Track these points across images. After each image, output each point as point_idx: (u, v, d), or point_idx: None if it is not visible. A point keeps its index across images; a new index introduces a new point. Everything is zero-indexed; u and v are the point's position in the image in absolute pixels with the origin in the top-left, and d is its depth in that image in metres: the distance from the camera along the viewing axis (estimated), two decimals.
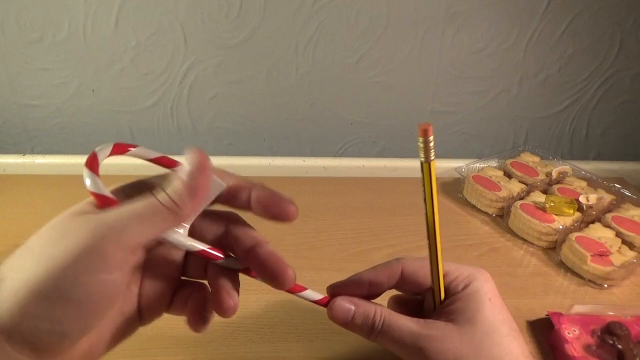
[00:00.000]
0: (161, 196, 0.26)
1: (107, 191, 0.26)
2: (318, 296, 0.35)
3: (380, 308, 0.34)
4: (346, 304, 0.34)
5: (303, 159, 0.77)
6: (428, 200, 0.31)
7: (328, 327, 0.46)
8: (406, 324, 0.32)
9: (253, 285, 0.52)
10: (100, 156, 0.26)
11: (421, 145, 0.28)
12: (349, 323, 0.34)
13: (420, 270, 0.35)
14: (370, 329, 0.33)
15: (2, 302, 0.22)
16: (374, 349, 0.45)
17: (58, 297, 0.22)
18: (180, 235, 0.28)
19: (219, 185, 0.29)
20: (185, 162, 0.27)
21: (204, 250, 0.29)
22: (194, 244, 0.28)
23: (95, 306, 0.24)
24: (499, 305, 0.33)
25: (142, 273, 0.29)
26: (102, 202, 0.25)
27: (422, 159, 0.28)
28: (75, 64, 0.74)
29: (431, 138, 0.27)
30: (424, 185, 0.30)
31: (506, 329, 0.32)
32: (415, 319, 0.33)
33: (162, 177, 0.28)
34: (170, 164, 0.29)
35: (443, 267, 0.34)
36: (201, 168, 0.26)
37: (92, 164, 0.25)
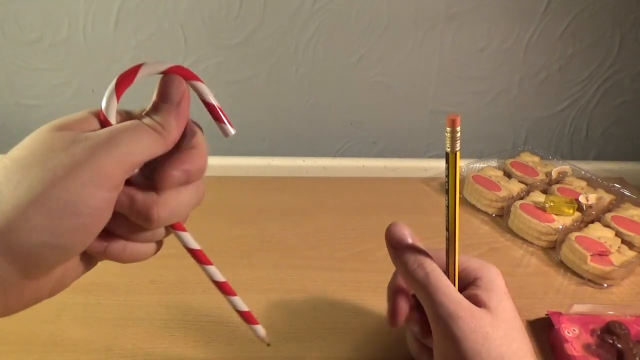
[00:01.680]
0: (147, 120, 0.26)
1: (113, 115, 0.26)
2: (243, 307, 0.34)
3: (432, 261, 0.35)
4: (407, 231, 0.36)
5: (303, 159, 0.77)
6: (451, 190, 0.31)
7: (328, 327, 0.46)
8: (454, 289, 0.33)
9: (253, 286, 0.52)
10: (144, 71, 0.26)
11: (448, 135, 0.28)
12: (398, 249, 0.36)
13: (437, 260, 0.36)
14: (413, 272, 0.34)
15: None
16: (374, 349, 0.45)
17: (63, 209, 0.23)
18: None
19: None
20: (165, 87, 0.27)
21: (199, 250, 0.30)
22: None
23: (95, 222, 0.24)
24: (511, 301, 0.34)
25: None
26: (104, 122, 0.26)
27: (448, 149, 0.29)
28: (75, 64, 0.74)
29: (458, 129, 0.28)
30: (447, 175, 0.31)
31: (520, 325, 0.32)
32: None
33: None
34: (220, 119, 0.29)
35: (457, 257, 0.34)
36: (182, 95, 0.27)
37: (124, 80, 0.26)
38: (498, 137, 0.87)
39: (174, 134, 0.27)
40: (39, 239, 0.23)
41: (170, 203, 0.26)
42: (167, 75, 0.27)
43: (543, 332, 0.48)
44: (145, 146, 0.25)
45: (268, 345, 0.36)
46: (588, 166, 0.75)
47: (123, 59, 0.74)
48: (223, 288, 0.32)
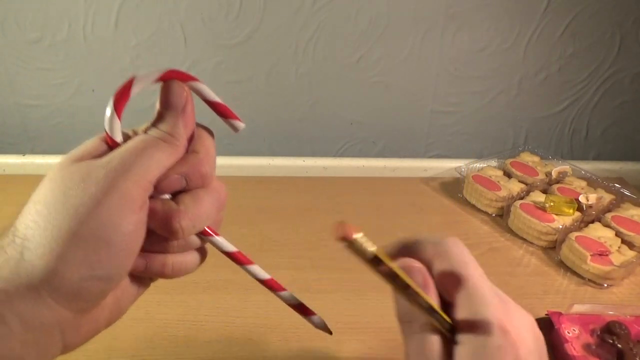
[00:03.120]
0: (154, 132, 0.26)
1: (119, 135, 0.26)
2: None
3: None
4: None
5: (303, 159, 0.77)
6: (397, 289, 0.27)
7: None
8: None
9: (254, 286, 0.52)
10: (138, 85, 0.25)
11: (347, 248, 0.23)
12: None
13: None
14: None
15: (36, 260, 0.22)
16: (374, 349, 0.45)
17: (96, 241, 0.23)
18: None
19: None
20: (167, 95, 0.27)
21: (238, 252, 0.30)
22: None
23: (130, 246, 0.24)
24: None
25: None
26: (111, 145, 0.26)
27: (364, 259, 0.24)
28: (75, 64, 0.74)
29: (359, 235, 0.23)
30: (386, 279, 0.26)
31: None
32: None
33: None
34: (229, 115, 0.29)
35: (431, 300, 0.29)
36: (185, 99, 0.27)
37: (120, 98, 0.25)
38: (498, 137, 0.87)
39: (184, 140, 0.27)
40: (80, 274, 0.23)
41: (190, 211, 0.26)
42: (167, 82, 0.26)
43: (543, 332, 0.47)
44: (159, 160, 0.25)
45: (330, 333, 0.34)
46: (588, 166, 0.75)
47: (123, 59, 0.74)
48: (270, 285, 0.32)
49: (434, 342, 0.28)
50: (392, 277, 0.26)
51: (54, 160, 0.74)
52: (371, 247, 0.24)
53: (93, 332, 0.26)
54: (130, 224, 0.24)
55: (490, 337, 0.26)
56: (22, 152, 0.76)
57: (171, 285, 0.52)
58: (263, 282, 0.31)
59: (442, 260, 0.29)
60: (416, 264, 0.30)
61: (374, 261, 0.25)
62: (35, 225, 0.23)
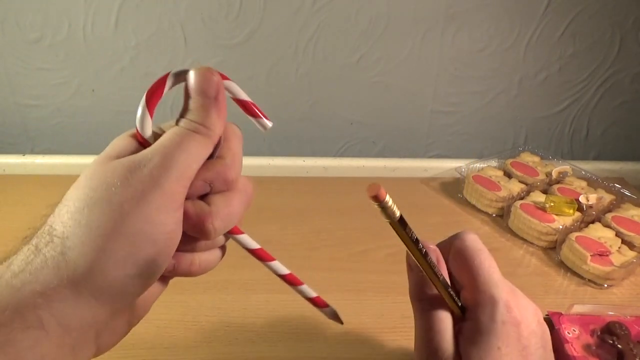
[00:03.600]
0: (186, 124, 0.25)
1: (150, 133, 0.25)
2: (313, 294, 0.34)
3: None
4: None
5: (303, 159, 0.77)
6: (416, 255, 0.28)
7: (328, 327, 0.46)
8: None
9: (254, 286, 0.52)
10: (170, 82, 0.25)
11: (377, 208, 0.24)
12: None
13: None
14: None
15: (79, 258, 0.22)
16: (374, 349, 0.45)
17: (140, 240, 0.23)
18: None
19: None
20: (196, 80, 0.26)
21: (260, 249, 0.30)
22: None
23: (172, 243, 0.24)
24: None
25: None
26: (142, 142, 0.25)
27: (387, 220, 0.25)
28: (75, 64, 0.74)
29: (387, 198, 0.24)
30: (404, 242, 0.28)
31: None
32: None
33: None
34: (257, 114, 0.29)
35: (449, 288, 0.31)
36: (218, 86, 0.26)
37: (152, 95, 0.25)
38: (498, 137, 0.87)
39: (218, 129, 0.26)
40: (124, 272, 0.23)
41: (222, 212, 0.26)
42: (197, 69, 0.26)
43: None
44: (196, 154, 0.25)
45: (342, 324, 0.36)
46: (588, 166, 0.75)
47: (123, 59, 0.74)
48: (289, 280, 0.32)
49: (445, 318, 0.30)
50: (415, 242, 0.27)
51: (54, 160, 0.74)
52: (397, 213, 0.25)
53: (123, 333, 0.26)
54: (172, 222, 0.24)
55: (496, 312, 0.28)
56: (22, 152, 0.76)
57: (171, 285, 0.52)
58: (283, 277, 0.31)
59: (459, 244, 0.31)
60: (431, 244, 0.33)
61: (401, 222, 0.26)
62: (76, 223, 0.22)
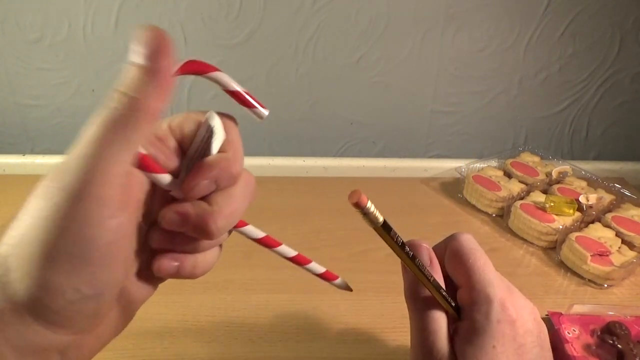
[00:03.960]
0: (112, 100, 0.20)
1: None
2: (321, 269, 0.33)
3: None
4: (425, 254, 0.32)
5: (303, 159, 0.77)
6: (403, 258, 0.28)
7: (328, 327, 0.46)
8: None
9: (254, 286, 0.52)
10: None
11: (360, 214, 0.23)
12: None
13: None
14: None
15: (17, 283, 0.20)
16: (374, 349, 0.45)
17: (71, 260, 0.20)
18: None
19: (211, 127, 0.25)
20: (136, 43, 0.21)
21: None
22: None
23: (114, 256, 0.21)
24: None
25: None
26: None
27: (372, 226, 0.24)
28: (75, 64, 0.74)
29: (369, 204, 0.23)
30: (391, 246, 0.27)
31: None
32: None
33: None
34: (250, 104, 0.27)
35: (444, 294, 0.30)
36: (160, 46, 0.21)
37: None
38: (498, 137, 0.87)
39: (153, 103, 0.21)
40: (66, 299, 0.20)
41: (224, 210, 0.24)
42: (143, 28, 0.21)
43: None
44: (121, 141, 0.20)
45: (351, 290, 0.36)
46: (588, 166, 0.75)
47: (123, 58, 0.74)
48: (297, 260, 0.31)
49: (439, 317, 0.30)
50: (401, 246, 0.27)
51: (54, 160, 0.74)
52: (380, 218, 0.24)
53: (98, 347, 0.25)
54: (108, 233, 0.20)
55: (491, 310, 0.28)
56: (22, 152, 0.76)
57: (171, 285, 0.52)
58: (291, 259, 0.31)
59: (453, 244, 0.31)
60: (424, 243, 0.32)
61: (385, 227, 0.25)
62: (17, 241, 0.20)
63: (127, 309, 0.26)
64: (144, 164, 0.22)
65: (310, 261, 0.32)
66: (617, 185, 0.69)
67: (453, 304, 0.30)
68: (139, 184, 0.23)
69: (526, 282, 0.55)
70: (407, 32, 0.76)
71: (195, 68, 0.25)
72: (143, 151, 0.22)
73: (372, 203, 0.23)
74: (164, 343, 0.44)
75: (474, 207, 0.68)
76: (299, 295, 0.51)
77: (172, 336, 0.45)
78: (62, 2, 0.69)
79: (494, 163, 0.76)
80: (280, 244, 0.30)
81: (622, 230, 0.59)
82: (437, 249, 0.33)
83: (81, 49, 0.73)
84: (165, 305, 0.49)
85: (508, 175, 0.72)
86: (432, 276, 0.29)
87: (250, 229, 0.29)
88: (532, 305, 0.30)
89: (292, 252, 0.31)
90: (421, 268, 0.29)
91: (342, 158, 0.79)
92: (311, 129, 0.84)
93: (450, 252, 0.32)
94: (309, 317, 0.47)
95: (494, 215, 0.67)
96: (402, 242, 0.27)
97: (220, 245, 0.28)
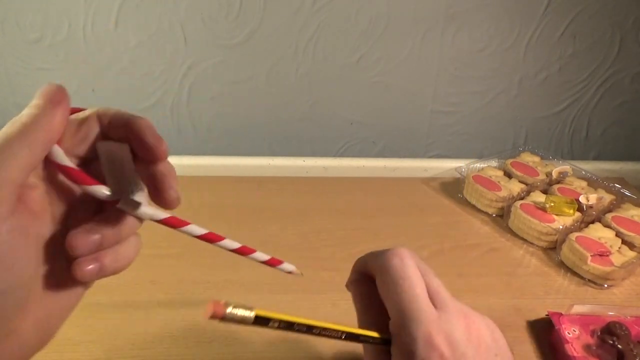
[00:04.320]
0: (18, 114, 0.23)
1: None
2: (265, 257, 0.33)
3: None
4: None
5: (303, 159, 0.77)
6: (303, 333, 0.28)
7: None
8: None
9: (254, 286, 0.52)
10: None
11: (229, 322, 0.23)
12: None
13: None
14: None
15: None
16: None
17: None
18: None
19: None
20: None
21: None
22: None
23: (11, 257, 0.21)
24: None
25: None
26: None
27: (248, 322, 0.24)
28: (75, 64, 0.74)
29: (229, 310, 0.23)
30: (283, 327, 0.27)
31: None
32: None
33: None
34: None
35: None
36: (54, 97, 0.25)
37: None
38: (498, 137, 0.87)
39: (50, 117, 0.24)
40: None
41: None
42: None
43: (543, 332, 0.48)
44: (10, 149, 0.21)
45: (302, 275, 0.36)
46: (588, 166, 0.75)
47: (123, 59, 0.74)
48: (242, 251, 0.31)
49: (370, 352, 0.30)
50: (288, 326, 0.26)
51: None
52: (249, 312, 0.24)
53: (25, 356, 0.24)
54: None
55: (416, 349, 0.26)
56: None
57: (171, 285, 0.52)
58: (236, 250, 0.30)
59: (381, 275, 0.30)
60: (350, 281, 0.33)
61: (261, 321, 0.24)
62: None
63: (45, 324, 0.24)
64: (75, 177, 0.23)
65: (254, 251, 0.32)
66: (617, 185, 0.69)
67: (380, 339, 0.29)
68: (47, 193, 0.24)
69: (526, 282, 0.55)
70: (407, 32, 0.76)
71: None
72: (73, 165, 0.23)
73: (232, 307, 0.23)
74: (164, 343, 0.44)
75: (474, 207, 0.68)
76: (299, 295, 0.51)
77: (172, 336, 0.45)
78: (62, 2, 0.69)
79: (494, 163, 0.76)
80: (223, 238, 0.29)
81: (622, 230, 0.59)
82: (370, 262, 0.32)
83: (81, 49, 0.73)
84: (165, 305, 0.49)
85: (508, 175, 0.72)
86: (343, 332, 0.29)
87: (193, 228, 0.27)
88: (465, 318, 0.29)
89: (235, 245, 0.30)
90: (324, 332, 0.28)
91: (342, 158, 0.79)
92: (311, 129, 0.84)
93: (379, 278, 0.30)
94: (309, 317, 0.47)
95: (494, 215, 0.67)
96: (287, 323, 0.26)
97: (138, 233, 0.27)
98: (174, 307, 0.48)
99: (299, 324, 0.27)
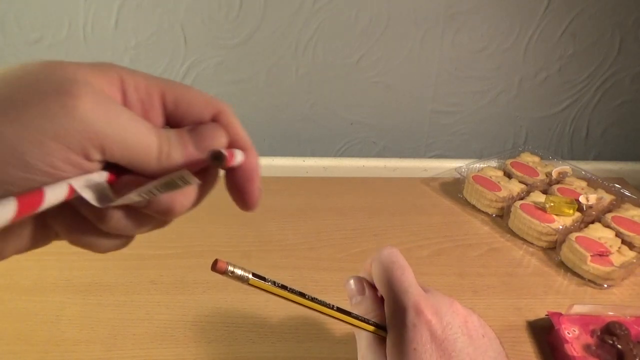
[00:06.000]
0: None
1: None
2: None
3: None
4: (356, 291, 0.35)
5: (303, 159, 0.77)
6: (293, 299, 0.29)
7: (328, 327, 0.46)
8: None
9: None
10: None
11: (230, 278, 0.25)
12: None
13: None
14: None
15: None
16: None
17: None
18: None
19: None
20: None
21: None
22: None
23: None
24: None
25: None
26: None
27: (244, 282, 0.26)
28: None
29: (230, 268, 0.24)
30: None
31: None
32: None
33: None
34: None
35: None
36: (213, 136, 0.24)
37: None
38: (498, 137, 0.87)
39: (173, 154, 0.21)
40: None
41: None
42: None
43: (543, 332, 0.48)
44: (130, 133, 0.19)
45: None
46: (588, 166, 0.75)
47: (123, 59, 0.74)
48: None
49: (362, 338, 0.32)
50: (283, 287, 0.28)
51: None
52: (249, 274, 0.26)
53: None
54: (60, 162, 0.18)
55: (406, 317, 0.30)
56: None
57: (171, 285, 0.52)
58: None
59: (375, 262, 0.34)
60: (353, 277, 0.36)
61: (257, 278, 0.27)
62: None
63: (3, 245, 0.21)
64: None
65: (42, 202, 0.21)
66: (617, 186, 0.69)
67: (370, 321, 0.32)
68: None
69: (526, 282, 0.55)
70: (407, 32, 0.76)
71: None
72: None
73: (233, 266, 0.25)
74: (163, 343, 0.44)
75: (474, 207, 0.68)
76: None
77: (172, 336, 0.45)
78: (62, 2, 0.69)
79: (494, 163, 0.76)
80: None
81: (622, 230, 0.59)
82: (368, 264, 0.35)
83: (81, 49, 0.73)
84: (165, 305, 0.49)
85: (508, 175, 0.72)
86: (333, 305, 0.30)
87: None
88: (450, 299, 0.32)
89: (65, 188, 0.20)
90: (316, 301, 0.30)
91: (342, 158, 0.79)
92: (311, 129, 0.84)
93: (373, 269, 0.34)
94: (309, 317, 0.47)
95: (494, 215, 0.67)
96: (282, 285, 0.28)
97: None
98: (174, 307, 0.48)
99: (292, 288, 0.29)
